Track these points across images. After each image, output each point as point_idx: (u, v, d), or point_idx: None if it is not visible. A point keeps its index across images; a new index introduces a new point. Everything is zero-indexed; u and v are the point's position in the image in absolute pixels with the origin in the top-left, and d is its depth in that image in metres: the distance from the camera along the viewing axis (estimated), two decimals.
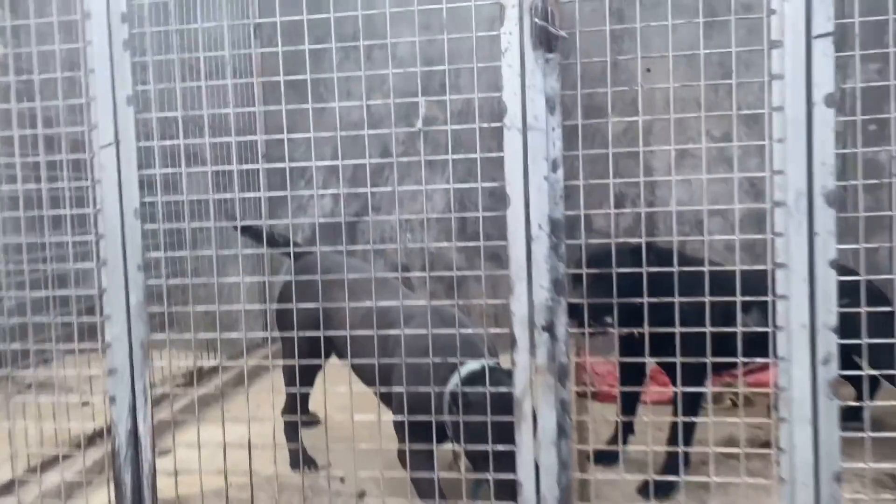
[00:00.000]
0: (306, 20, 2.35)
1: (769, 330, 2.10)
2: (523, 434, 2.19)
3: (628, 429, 3.27)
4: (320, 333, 2.67)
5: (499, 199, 5.10)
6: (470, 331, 2.66)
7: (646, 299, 2.20)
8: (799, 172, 2.00)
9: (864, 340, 2.07)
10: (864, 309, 2.06)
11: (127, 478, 2.47)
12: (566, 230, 2.15)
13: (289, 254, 3.30)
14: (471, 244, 2.53)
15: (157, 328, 2.64)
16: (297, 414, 3.02)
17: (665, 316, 2.26)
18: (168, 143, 2.49)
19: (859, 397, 3.21)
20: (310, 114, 2.47)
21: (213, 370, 4.64)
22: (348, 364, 2.68)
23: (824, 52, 1.97)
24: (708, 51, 2.18)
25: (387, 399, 2.70)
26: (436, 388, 2.34)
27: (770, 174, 2.04)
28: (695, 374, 2.49)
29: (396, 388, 2.40)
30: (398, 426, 2.48)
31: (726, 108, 4.76)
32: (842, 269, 2.02)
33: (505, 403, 2.19)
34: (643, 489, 2.91)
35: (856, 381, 3.20)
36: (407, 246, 5.21)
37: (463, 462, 2.48)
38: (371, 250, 2.40)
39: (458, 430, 2.31)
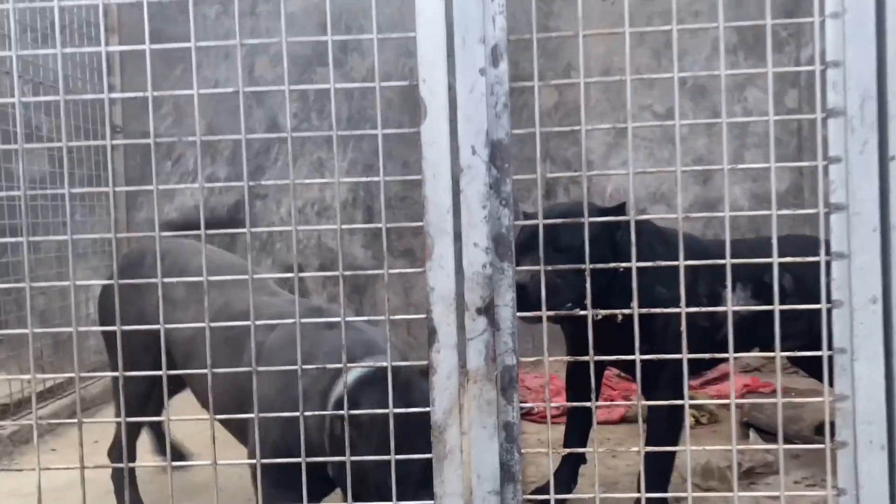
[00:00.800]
0: None
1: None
2: (447, 478, 1.39)
3: (578, 457, 2.52)
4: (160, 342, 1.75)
5: (414, 186, 4.33)
6: (364, 330, 1.85)
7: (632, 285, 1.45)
8: (865, 63, 1.31)
9: None
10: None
11: None
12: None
13: None
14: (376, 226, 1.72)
15: None
16: (125, 457, 2.07)
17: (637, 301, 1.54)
18: None
19: None
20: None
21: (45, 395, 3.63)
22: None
23: None
24: None
25: (241, 432, 1.85)
26: (309, 410, 1.49)
27: (819, 69, 1.34)
28: (677, 380, 1.78)
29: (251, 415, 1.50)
30: (256, 473, 1.58)
31: (669, 80, 4.17)
32: None
33: (419, 424, 1.40)
34: None
35: None
36: (298, 241, 4.34)
37: None
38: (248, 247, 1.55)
39: (343, 471, 1.45)
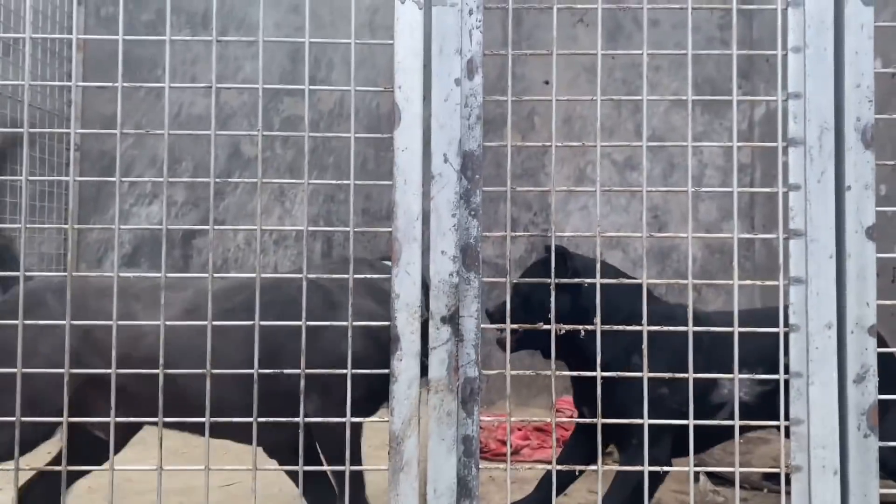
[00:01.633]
0: None
1: None
2: (402, 492, 1.35)
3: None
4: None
5: (374, 217, 4.32)
6: None
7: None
8: (823, 97, 1.37)
9: None
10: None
11: None
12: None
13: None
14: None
15: None
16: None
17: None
18: None
19: None
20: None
21: None
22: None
23: None
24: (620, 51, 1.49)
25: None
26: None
27: (781, 99, 1.40)
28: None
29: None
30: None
31: (629, 129, 4.30)
32: None
33: None
34: None
35: None
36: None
37: None
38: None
39: None
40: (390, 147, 1.37)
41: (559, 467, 1.57)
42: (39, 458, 2.09)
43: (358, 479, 2.13)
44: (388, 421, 1.36)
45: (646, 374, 1.40)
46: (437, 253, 1.37)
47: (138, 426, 2.05)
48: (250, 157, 4.30)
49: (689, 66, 1.45)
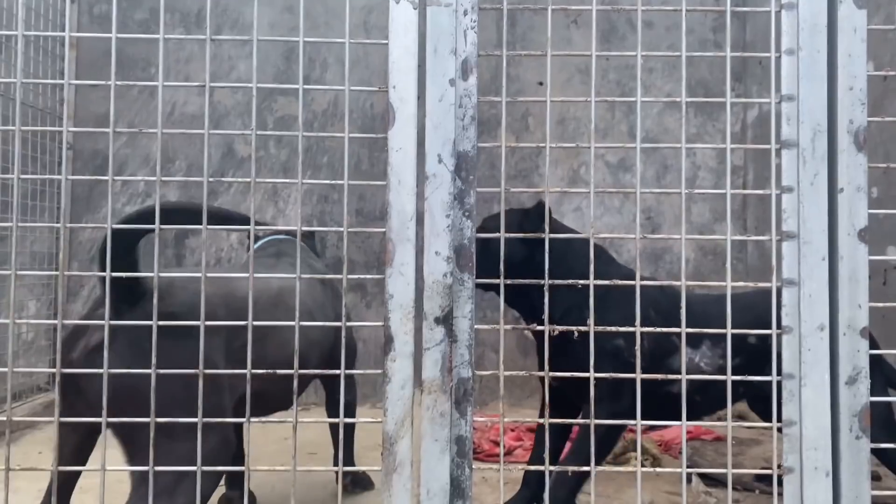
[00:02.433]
0: None
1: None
2: (395, 493, 1.35)
3: (535, 495, 2.49)
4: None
5: (368, 218, 4.31)
6: None
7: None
8: (816, 99, 1.38)
9: None
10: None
11: None
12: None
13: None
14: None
15: None
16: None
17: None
18: None
19: None
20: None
21: None
22: None
23: None
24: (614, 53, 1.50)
25: None
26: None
27: (775, 101, 1.40)
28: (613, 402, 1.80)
29: None
30: None
31: (623, 130, 4.31)
32: None
33: None
34: None
35: None
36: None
37: None
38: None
39: None
40: (384, 147, 1.37)
41: (552, 468, 1.58)
42: None
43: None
44: (381, 421, 1.36)
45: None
46: (431, 254, 1.37)
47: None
48: (244, 157, 4.29)
49: (683, 68, 1.46)
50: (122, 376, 1.39)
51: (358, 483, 2.85)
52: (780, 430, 1.39)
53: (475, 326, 1.39)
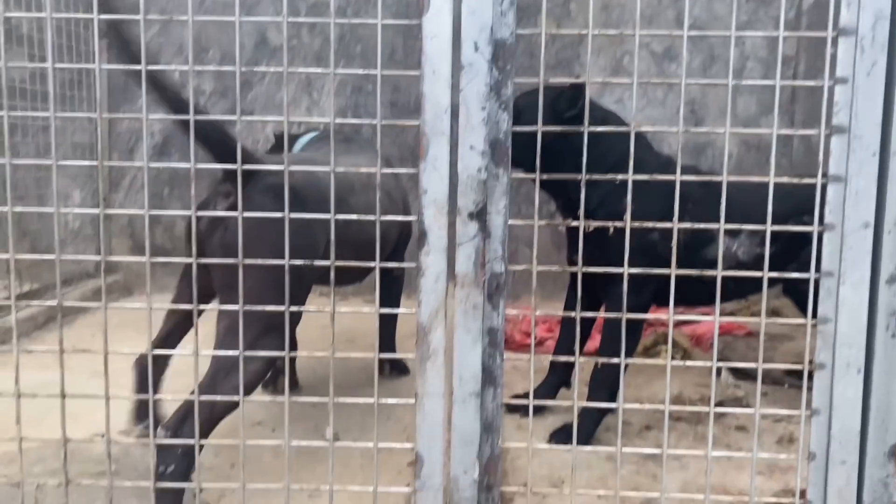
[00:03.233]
0: None
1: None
2: (429, 378, 1.39)
3: (560, 378, 2.57)
4: None
5: (402, 111, 4.25)
6: None
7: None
8: None
9: None
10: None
11: None
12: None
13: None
14: None
15: None
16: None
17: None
18: None
19: None
20: None
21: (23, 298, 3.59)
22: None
23: None
24: None
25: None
26: None
27: None
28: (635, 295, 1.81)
29: None
30: None
31: (669, 18, 4.10)
32: None
33: None
34: (557, 433, 2.31)
35: None
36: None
37: None
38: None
39: None
40: (419, 35, 1.33)
41: (582, 359, 1.61)
42: None
43: None
44: (415, 312, 1.39)
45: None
46: (466, 147, 1.35)
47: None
48: (277, 46, 4.21)
49: None
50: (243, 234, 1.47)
51: (395, 368, 2.97)
52: (814, 326, 1.39)
53: (509, 222, 1.38)
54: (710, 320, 1.81)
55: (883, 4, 1.28)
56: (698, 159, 4.13)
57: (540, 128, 1.39)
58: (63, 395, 1.42)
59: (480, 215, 1.37)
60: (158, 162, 4.22)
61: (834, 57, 1.31)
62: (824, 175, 1.35)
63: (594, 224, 1.47)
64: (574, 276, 2.36)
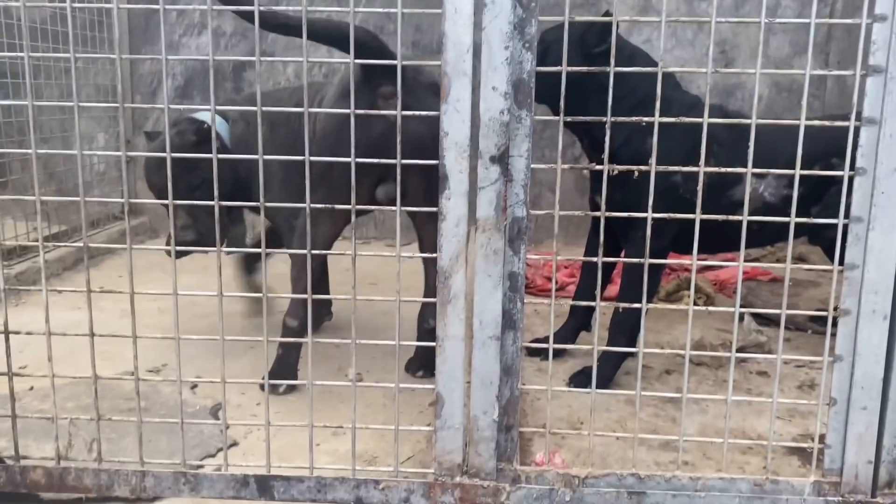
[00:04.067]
0: None
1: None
2: (449, 321, 1.40)
3: (581, 322, 2.58)
4: None
5: (424, 51, 4.16)
6: None
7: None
8: None
9: None
10: None
11: None
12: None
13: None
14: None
15: None
16: None
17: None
18: None
19: None
20: None
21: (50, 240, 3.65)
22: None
23: None
24: None
25: None
26: None
27: None
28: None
29: None
30: None
31: None
32: None
33: None
34: (576, 377, 2.32)
35: None
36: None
37: None
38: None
39: None
40: None
41: (603, 304, 1.61)
42: None
43: None
44: (436, 256, 1.39)
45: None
46: (488, 89, 1.32)
47: None
48: None
49: None
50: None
51: None
52: (840, 272, 1.37)
53: (532, 166, 1.37)
54: (734, 266, 1.80)
55: None
56: (727, 101, 4.03)
57: (565, 68, 1.36)
58: (92, 335, 1.45)
59: (502, 159, 1.35)
60: (180, 104, 4.21)
61: None
62: (858, 117, 1.31)
63: (618, 168, 1.45)
64: (596, 219, 2.34)
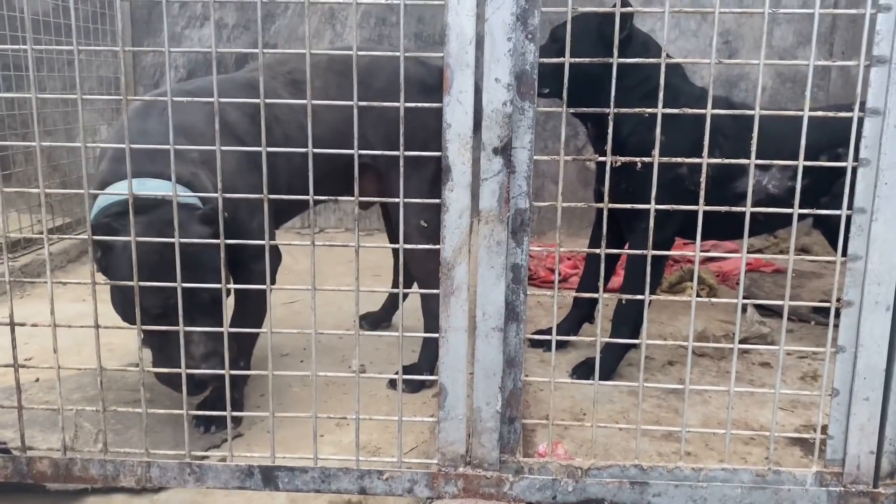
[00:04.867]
0: None
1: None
2: (453, 313, 1.41)
3: (584, 314, 2.58)
4: None
5: (427, 42, 4.15)
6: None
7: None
8: None
9: None
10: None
11: None
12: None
13: None
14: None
15: None
16: None
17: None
18: None
19: None
20: None
21: (54, 231, 3.65)
22: None
23: None
24: None
25: None
26: None
27: None
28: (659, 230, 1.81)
29: None
30: None
31: None
32: None
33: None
34: (579, 368, 2.32)
35: None
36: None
37: None
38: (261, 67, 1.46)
39: None
40: None
41: (606, 295, 1.61)
42: None
43: None
44: (439, 248, 1.39)
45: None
46: (491, 80, 1.32)
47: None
48: None
49: None
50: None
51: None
52: (843, 263, 1.37)
53: (535, 157, 1.37)
54: (737, 257, 1.80)
55: None
56: (731, 92, 4.02)
57: (567, 59, 1.36)
58: (97, 326, 1.46)
59: (505, 150, 1.35)
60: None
61: None
62: (861, 108, 1.30)
63: (621, 160, 1.45)
64: (600, 211, 2.35)
